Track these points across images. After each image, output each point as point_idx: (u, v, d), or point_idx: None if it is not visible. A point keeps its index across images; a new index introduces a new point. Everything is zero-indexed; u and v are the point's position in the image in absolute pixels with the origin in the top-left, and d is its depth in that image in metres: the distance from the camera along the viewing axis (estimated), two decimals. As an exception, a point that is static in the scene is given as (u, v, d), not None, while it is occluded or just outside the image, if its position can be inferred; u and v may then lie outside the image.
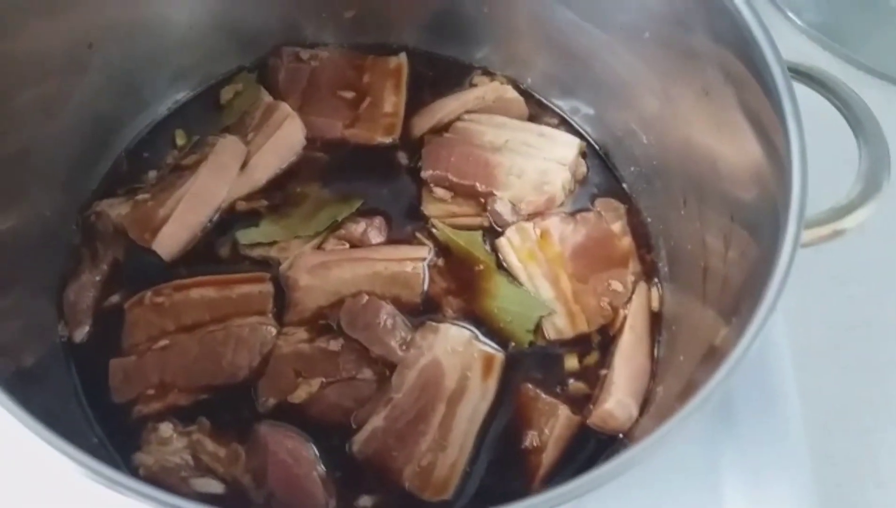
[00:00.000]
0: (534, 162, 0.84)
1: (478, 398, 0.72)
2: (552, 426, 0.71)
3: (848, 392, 0.82)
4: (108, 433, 0.70)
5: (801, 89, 0.61)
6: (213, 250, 0.79)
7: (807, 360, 0.77)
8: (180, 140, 0.86)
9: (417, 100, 0.90)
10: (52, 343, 0.73)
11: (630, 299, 0.78)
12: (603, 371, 0.75)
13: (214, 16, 0.85)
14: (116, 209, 0.79)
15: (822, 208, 0.59)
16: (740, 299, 0.58)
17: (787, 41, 0.62)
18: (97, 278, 0.77)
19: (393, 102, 0.89)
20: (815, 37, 1.04)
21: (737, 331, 0.52)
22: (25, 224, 0.72)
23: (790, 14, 1.06)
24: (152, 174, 0.83)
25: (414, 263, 0.79)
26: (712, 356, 0.55)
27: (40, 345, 0.71)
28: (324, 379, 0.72)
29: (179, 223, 0.78)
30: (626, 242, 0.82)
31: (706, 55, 0.68)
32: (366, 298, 0.76)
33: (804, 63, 0.65)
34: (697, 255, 0.72)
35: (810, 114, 0.59)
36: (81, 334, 0.74)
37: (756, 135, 0.61)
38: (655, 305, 0.79)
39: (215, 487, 0.67)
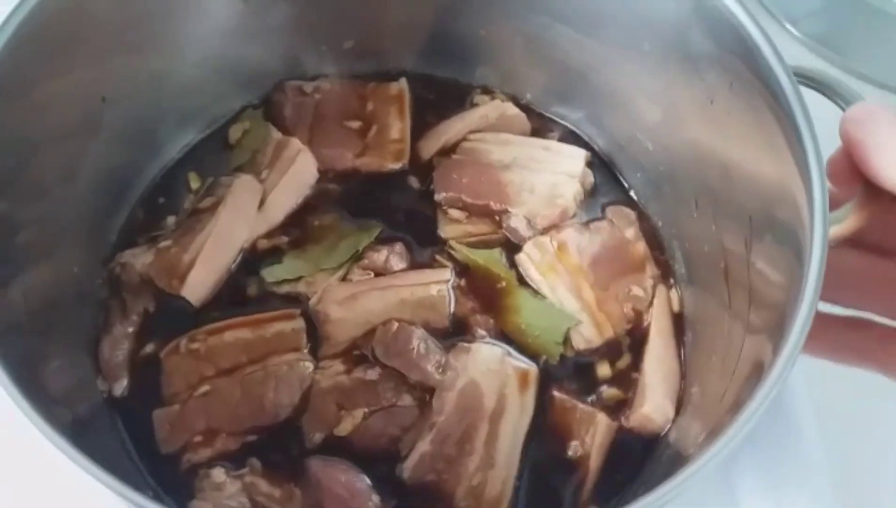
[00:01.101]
0: (543, 176, 0.86)
1: (518, 414, 0.74)
2: (593, 434, 0.73)
3: (861, 405, 0.82)
4: (161, 484, 0.70)
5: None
6: (240, 291, 0.80)
7: (818, 372, 0.76)
8: (194, 183, 0.87)
9: (421, 123, 0.92)
10: (96, 400, 0.73)
11: (651, 302, 0.81)
12: (634, 375, 0.77)
13: (218, 58, 0.85)
14: (140, 259, 0.80)
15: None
16: (772, 304, 0.60)
17: (784, 52, 0.64)
18: (129, 330, 0.77)
19: (399, 127, 0.91)
20: (812, 47, 1.05)
21: (775, 338, 0.54)
22: (55, 284, 0.72)
23: (787, 25, 1.07)
24: (171, 220, 0.84)
25: (438, 285, 0.80)
26: (755, 369, 0.57)
27: (88, 402, 0.72)
28: (366, 409, 0.74)
29: (206, 267, 0.79)
30: (641, 247, 0.84)
31: (708, 64, 0.71)
32: (396, 325, 0.77)
33: (804, 66, 0.68)
34: (716, 256, 0.74)
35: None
36: (121, 387, 0.75)
37: (767, 139, 0.64)
38: (676, 306, 0.81)
39: (274, 527, 0.68)
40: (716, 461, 0.51)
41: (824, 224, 0.56)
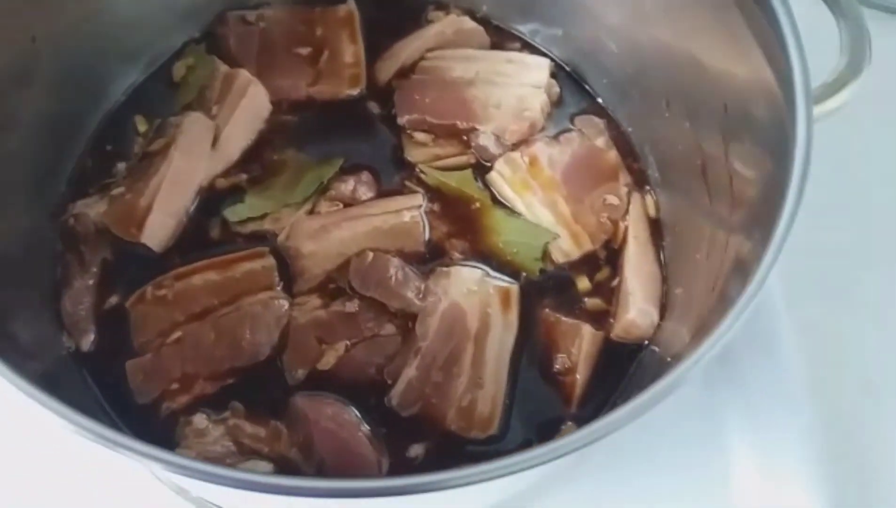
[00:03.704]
0: (509, 90, 0.83)
1: (502, 332, 0.73)
2: (578, 345, 0.72)
3: (841, 326, 0.83)
4: (141, 436, 0.67)
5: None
6: (203, 234, 0.77)
7: (797, 296, 0.78)
8: (142, 126, 0.82)
9: (376, 45, 0.88)
10: (61, 357, 0.70)
11: (627, 210, 0.80)
12: (615, 284, 0.76)
13: (154, -11, 0.80)
14: (94, 208, 0.76)
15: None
16: (754, 197, 0.59)
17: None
18: (90, 283, 0.74)
19: (352, 51, 0.87)
20: None
21: (760, 232, 0.53)
22: (5, 241, 0.68)
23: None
24: (121, 166, 0.80)
25: (411, 211, 0.78)
26: (741, 266, 0.56)
27: (50, 360, 0.68)
28: (348, 342, 0.72)
29: (163, 211, 0.75)
30: (613, 155, 0.82)
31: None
32: (371, 255, 0.75)
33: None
34: (691, 155, 0.73)
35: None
36: (88, 342, 0.72)
37: (740, 21, 0.61)
38: (652, 211, 0.80)
39: (263, 467, 0.67)
40: (708, 356, 0.49)
41: (807, 111, 0.54)
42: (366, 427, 0.68)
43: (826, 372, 0.80)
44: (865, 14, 0.63)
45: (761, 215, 0.56)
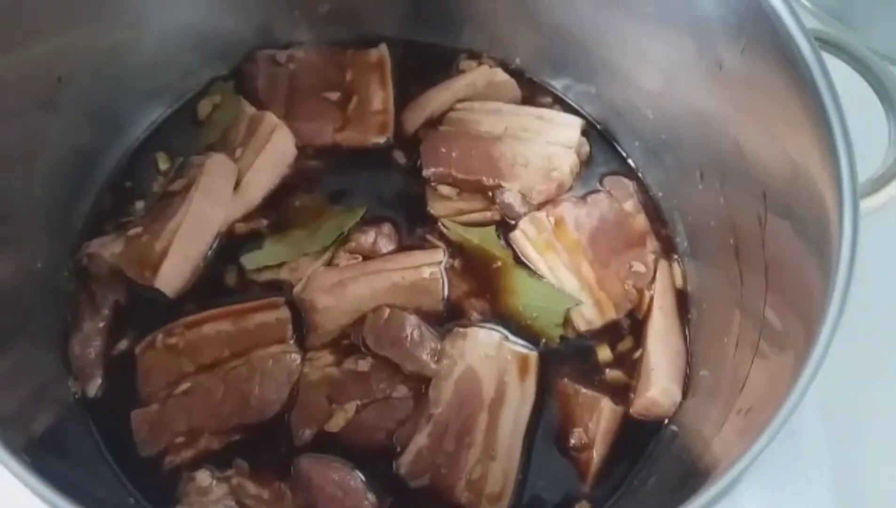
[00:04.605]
0: (537, 148, 0.82)
1: (518, 402, 0.71)
2: (597, 420, 0.70)
3: (867, 410, 0.80)
4: (142, 490, 0.66)
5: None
6: (218, 280, 0.75)
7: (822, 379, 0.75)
8: (163, 164, 0.81)
9: (405, 92, 0.86)
10: (66, 403, 0.69)
11: (653, 278, 0.77)
12: (637, 356, 0.74)
13: (183, 28, 0.79)
14: (109, 249, 0.74)
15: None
16: (793, 292, 0.57)
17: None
18: (100, 325, 0.72)
19: (381, 98, 0.85)
20: (826, 20, 0.99)
21: (799, 333, 0.50)
22: (17, 279, 0.67)
23: (800, -4, 1.02)
24: (140, 205, 0.78)
25: (431, 268, 0.76)
26: (773, 371, 0.54)
27: (53, 407, 0.67)
28: (358, 402, 0.70)
29: (179, 256, 0.74)
30: (641, 219, 0.80)
31: (717, 27, 0.66)
32: (388, 311, 0.73)
33: (823, 30, 0.63)
34: (724, 231, 0.70)
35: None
36: (94, 387, 0.70)
37: (784, 110, 0.60)
38: (679, 282, 0.78)
39: (265, 530, 0.65)
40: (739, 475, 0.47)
41: (854, 210, 0.51)
42: (371, 497, 0.66)
43: (849, 455, 0.77)
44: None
45: (798, 318, 0.54)
